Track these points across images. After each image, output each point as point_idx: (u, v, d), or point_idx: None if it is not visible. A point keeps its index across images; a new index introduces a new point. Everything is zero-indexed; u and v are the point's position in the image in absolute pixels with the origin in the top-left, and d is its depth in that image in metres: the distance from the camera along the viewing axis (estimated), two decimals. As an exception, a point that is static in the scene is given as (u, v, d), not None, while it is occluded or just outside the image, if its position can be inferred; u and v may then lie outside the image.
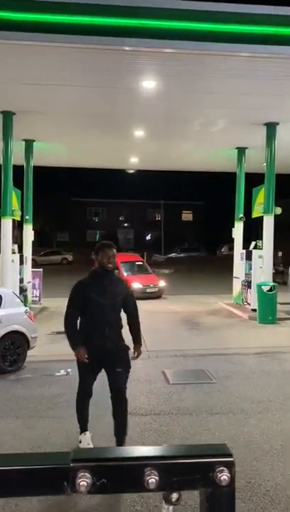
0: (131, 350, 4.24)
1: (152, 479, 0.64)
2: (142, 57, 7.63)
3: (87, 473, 0.62)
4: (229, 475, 0.67)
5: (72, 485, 0.61)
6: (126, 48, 7.34)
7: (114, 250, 4.23)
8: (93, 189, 45.14)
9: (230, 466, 0.67)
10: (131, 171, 22.29)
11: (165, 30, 7.14)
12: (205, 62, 7.67)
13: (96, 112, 10.48)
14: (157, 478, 0.65)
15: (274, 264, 13.82)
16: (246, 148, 13.69)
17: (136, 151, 15.17)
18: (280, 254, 17.17)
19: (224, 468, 0.67)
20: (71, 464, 0.62)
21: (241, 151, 13.91)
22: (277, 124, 11.08)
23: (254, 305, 11.34)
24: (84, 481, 0.61)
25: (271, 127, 11.23)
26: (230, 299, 13.73)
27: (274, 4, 7.36)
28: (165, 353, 7.87)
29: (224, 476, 0.67)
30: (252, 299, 11.69)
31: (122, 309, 4.25)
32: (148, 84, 8.64)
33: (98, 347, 4.05)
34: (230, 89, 8.84)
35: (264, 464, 3.95)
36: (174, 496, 0.67)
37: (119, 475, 0.64)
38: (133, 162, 17.07)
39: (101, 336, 4.03)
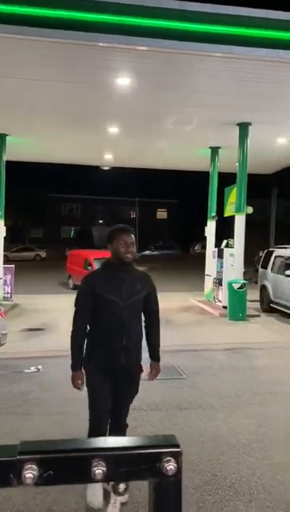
0: (146, 371, 3.43)
1: (99, 470, 0.66)
2: (116, 53, 7.59)
3: (33, 466, 0.63)
4: (175, 465, 0.69)
5: (18, 477, 0.62)
6: (101, 44, 7.29)
7: (133, 236, 3.27)
8: (68, 185, 44.78)
9: (177, 456, 0.70)
10: (106, 168, 22.21)
11: (140, 28, 7.13)
12: (179, 61, 7.71)
13: (70, 108, 10.39)
14: (104, 469, 0.66)
15: (254, 264, 14.07)
16: (219, 147, 13.85)
17: (110, 148, 15.12)
18: (261, 253, 17.47)
19: (171, 459, 0.69)
20: (18, 457, 0.63)
21: (214, 150, 14.06)
22: (249, 124, 11.25)
23: (225, 302, 11.52)
24: (30, 473, 0.62)
25: (243, 127, 11.39)
26: (202, 296, 13.90)
27: (248, 6, 7.47)
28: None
29: (170, 466, 0.69)
30: (223, 296, 11.86)
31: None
32: (123, 81, 8.62)
33: (111, 362, 3.20)
34: (203, 88, 8.91)
35: (230, 457, 4.03)
36: (121, 486, 0.69)
37: (65, 466, 0.65)
38: (108, 159, 17.00)
39: (116, 348, 3.17)
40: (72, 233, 49.31)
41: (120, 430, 3.36)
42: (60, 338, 8.43)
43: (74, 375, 3.23)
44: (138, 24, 7.11)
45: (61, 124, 11.92)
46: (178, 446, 0.70)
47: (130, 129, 12.32)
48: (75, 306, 3.28)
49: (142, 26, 7.12)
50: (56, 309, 12.22)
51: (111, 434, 3.33)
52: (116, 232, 3.28)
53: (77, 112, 10.69)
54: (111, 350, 3.17)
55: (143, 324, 3.41)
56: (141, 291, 3.26)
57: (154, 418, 4.94)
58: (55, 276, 20.33)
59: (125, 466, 0.68)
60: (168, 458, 0.69)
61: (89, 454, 0.67)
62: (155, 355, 3.47)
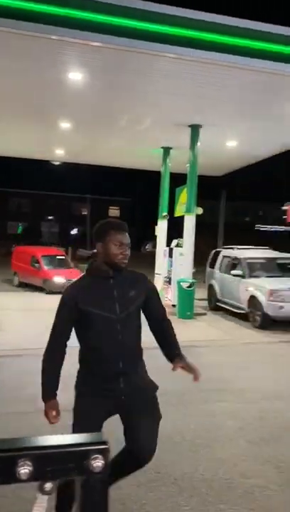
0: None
1: (25, 470, 0.65)
2: (69, 47, 7.50)
3: None
4: (103, 462, 0.70)
5: None
6: (53, 37, 7.16)
7: (127, 235, 2.60)
8: (16, 179, 43.56)
9: (105, 453, 0.70)
10: (57, 163, 21.82)
11: (94, 23, 7.07)
12: (131, 60, 7.73)
13: (19, 99, 10.10)
14: (31, 468, 0.65)
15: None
16: (171, 148, 14.02)
17: (62, 143, 14.87)
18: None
19: (99, 456, 0.69)
20: None
21: (166, 150, 14.22)
22: (200, 126, 11.48)
23: (174, 301, 11.69)
24: None
25: (194, 129, 11.61)
26: (152, 294, 14.01)
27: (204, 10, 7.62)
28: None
29: (97, 463, 0.69)
30: (172, 295, 12.04)
31: (143, 315, 2.78)
32: (75, 76, 8.51)
33: (109, 387, 2.61)
34: (156, 88, 8.99)
35: (174, 454, 4.10)
36: (48, 485, 0.68)
37: (-11, 467, 0.64)
38: (59, 154, 16.72)
39: (111, 373, 2.59)
40: (19, 229, 48.08)
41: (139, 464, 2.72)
42: (6, 337, 8.19)
43: (46, 406, 2.60)
44: (93, 19, 7.05)
45: (9, 115, 11.57)
46: (105, 443, 0.70)
47: (83, 125, 12.19)
48: (54, 321, 2.63)
49: (96, 22, 7.06)
50: (0, 308, 11.87)
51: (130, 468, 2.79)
52: (110, 228, 2.57)
53: (27, 104, 10.43)
54: (107, 375, 2.59)
55: (150, 328, 2.86)
56: (136, 299, 2.64)
57: (100, 416, 4.93)
58: (0, 273, 19.74)
59: (52, 465, 0.67)
60: (96, 455, 0.69)
61: (14, 453, 0.65)
62: (179, 353, 2.81)
